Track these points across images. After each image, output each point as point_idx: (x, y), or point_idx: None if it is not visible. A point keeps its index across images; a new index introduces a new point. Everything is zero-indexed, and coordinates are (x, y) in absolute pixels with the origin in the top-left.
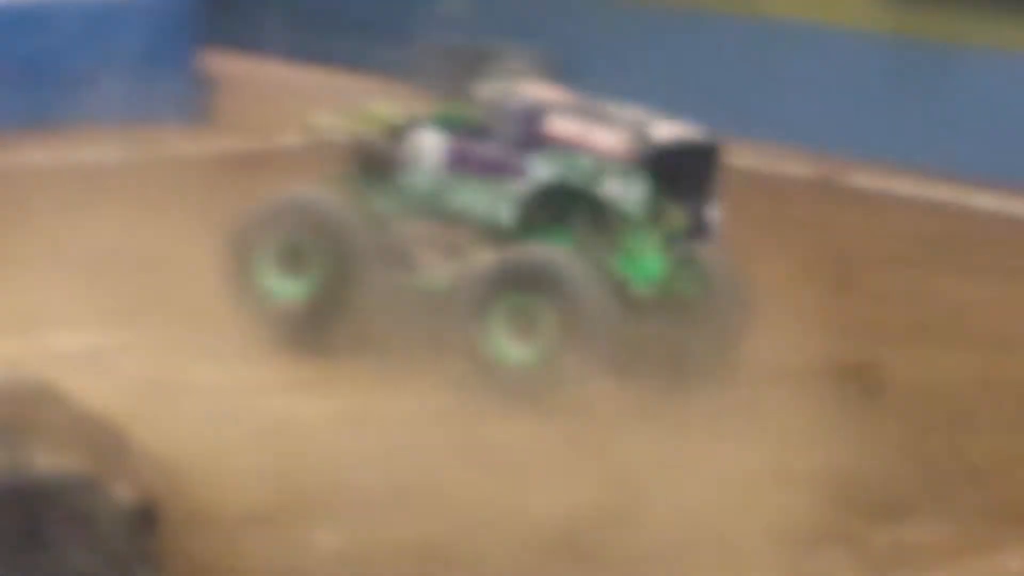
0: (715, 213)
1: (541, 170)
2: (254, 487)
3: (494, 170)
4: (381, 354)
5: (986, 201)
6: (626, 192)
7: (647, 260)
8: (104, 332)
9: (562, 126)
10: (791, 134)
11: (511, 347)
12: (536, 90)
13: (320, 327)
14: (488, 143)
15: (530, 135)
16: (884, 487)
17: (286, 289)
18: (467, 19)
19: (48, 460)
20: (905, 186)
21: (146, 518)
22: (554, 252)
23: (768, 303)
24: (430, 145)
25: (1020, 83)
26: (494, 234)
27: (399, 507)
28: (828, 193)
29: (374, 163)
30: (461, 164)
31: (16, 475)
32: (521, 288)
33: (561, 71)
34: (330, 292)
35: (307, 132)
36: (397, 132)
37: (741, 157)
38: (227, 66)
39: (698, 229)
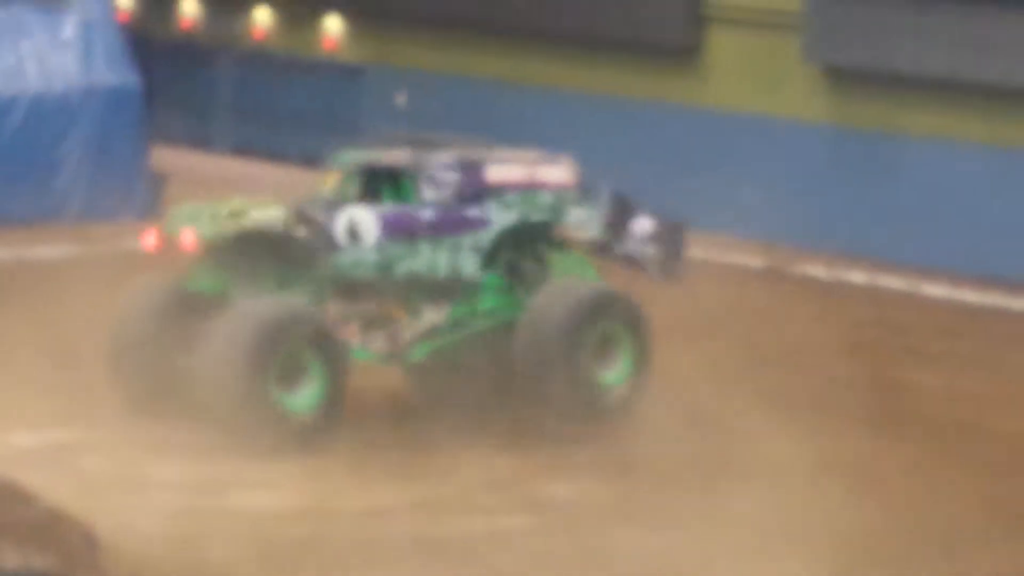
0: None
1: (500, 216)
2: None
3: (447, 230)
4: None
5: (934, 290)
6: (588, 217)
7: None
8: (63, 429)
9: (502, 172)
10: (740, 224)
11: (601, 372)
12: (401, 155)
13: (330, 428)
14: (422, 207)
15: (471, 188)
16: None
17: (297, 403)
18: (409, 112)
19: (15, 557)
20: (854, 275)
21: None
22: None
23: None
24: (364, 222)
25: (959, 171)
26: (450, 289)
27: None
28: (779, 282)
29: (295, 252)
30: (400, 232)
31: None
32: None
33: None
34: (336, 393)
35: (167, 233)
36: (300, 220)
37: (693, 247)
38: (175, 160)
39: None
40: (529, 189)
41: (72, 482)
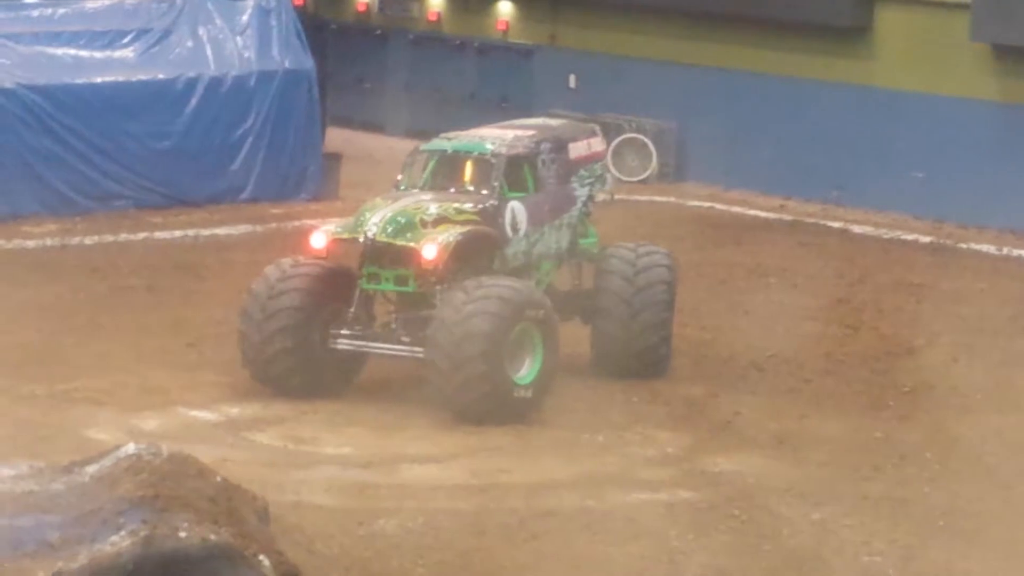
0: None
1: (581, 193)
2: (395, 554)
3: (559, 212)
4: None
5: None
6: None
7: None
8: (239, 405)
9: (577, 149)
10: (908, 201)
11: None
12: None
13: (542, 402)
14: (543, 194)
15: (565, 168)
16: None
17: (523, 377)
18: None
19: (192, 532)
20: (1019, 249)
21: None
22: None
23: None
24: (519, 214)
25: None
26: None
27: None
28: (946, 258)
29: (488, 246)
30: (537, 221)
31: (161, 547)
32: None
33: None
34: (550, 370)
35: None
36: (485, 214)
37: (864, 224)
38: (349, 142)
39: None
40: (589, 161)
41: (247, 457)
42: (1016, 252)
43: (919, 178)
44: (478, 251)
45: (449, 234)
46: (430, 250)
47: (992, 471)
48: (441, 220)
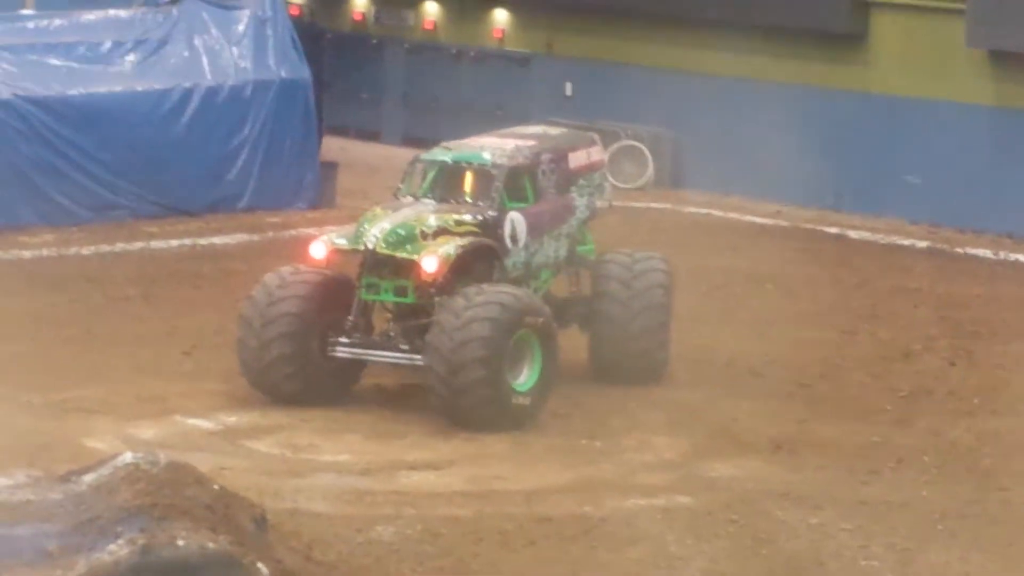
0: None
1: (580, 202)
2: (393, 560)
3: (557, 222)
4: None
5: None
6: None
7: None
8: (237, 413)
9: (576, 158)
10: (905, 206)
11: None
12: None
13: (540, 409)
14: (542, 204)
15: (564, 177)
16: None
17: (522, 384)
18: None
19: (190, 540)
20: (1016, 254)
21: None
22: None
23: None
24: (519, 224)
25: None
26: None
27: None
28: (943, 263)
29: (488, 258)
30: (537, 231)
31: (159, 555)
32: None
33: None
34: (549, 377)
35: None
36: (484, 226)
37: (860, 229)
38: (345, 151)
39: None
40: (589, 171)
41: (244, 465)
42: (1013, 256)
43: (914, 183)
44: (478, 263)
45: (449, 246)
46: (430, 262)
47: (989, 474)
48: (441, 232)
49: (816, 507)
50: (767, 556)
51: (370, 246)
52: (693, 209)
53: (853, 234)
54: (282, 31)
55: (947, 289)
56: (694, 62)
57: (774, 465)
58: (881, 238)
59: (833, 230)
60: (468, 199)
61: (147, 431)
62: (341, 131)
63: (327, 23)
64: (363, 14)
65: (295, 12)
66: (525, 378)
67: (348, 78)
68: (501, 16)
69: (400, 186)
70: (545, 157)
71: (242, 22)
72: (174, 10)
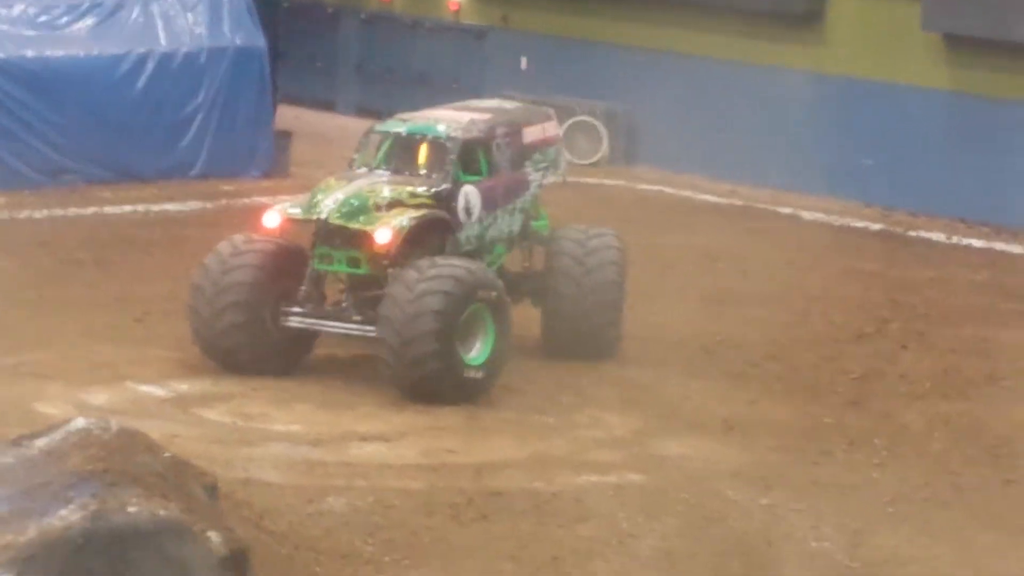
0: None
1: (535, 177)
2: (344, 532)
3: (512, 196)
4: None
5: None
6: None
7: None
8: (189, 381)
9: (532, 133)
10: (859, 188)
11: None
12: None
13: (493, 383)
14: (496, 177)
15: (518, 152)
16: None
17: (474, 357)
18: (530, 75)
19: (141, 507)
20: (969, 238)
21: (238, 563)
22: None
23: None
24: (472, 198)
25: None
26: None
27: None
28: (896, 246)
29: (442, 230)
30: (491, 205)
31: (110, 521)
32: None
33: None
34: (501, 352)
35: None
36: (438, 198)
37: (815, 211)
38: (300, 120)
39: None
40: (544, 146)
41: (196, 433)
42: (965, 241)
43: (868, 165)
44: (431, 235)
45: (403, 218)
46: (383, 234)
47: (940, 458)
48: (395, 203)
49: (767, 487)
50: (718, 535)
51: (323, 216)
52: (647, 186)
53: (807, 215)
54: None
55: (900, 272)
56: (651, 39)
57: (726, 445)
58: (835, 219)
59: (787, 210)
60: (422, 171)
61: (99, 397)
62: (296, 100)
63: None
64: None
65: None
66: (478, 352)
67: (303, 47)
68: None
69: (354, 157)
70: (500, 131)
71: None
72: None
